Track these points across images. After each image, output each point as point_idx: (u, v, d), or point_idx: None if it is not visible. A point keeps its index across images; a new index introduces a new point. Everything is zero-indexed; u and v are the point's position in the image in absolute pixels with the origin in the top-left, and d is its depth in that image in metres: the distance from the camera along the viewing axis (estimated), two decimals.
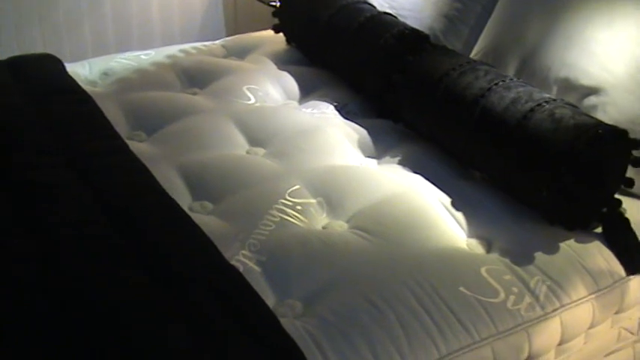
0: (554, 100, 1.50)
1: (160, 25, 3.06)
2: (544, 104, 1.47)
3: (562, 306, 1.33)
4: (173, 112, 1.85)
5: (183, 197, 1.52)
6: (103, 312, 1.13)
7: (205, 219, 1.44)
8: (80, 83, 1.95)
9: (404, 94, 1.77)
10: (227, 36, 2.79)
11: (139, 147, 1.68)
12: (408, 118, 1.79)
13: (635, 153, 1.43)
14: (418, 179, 1.61)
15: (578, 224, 1.44)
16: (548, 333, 1.32)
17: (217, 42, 2.40)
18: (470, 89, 1.58)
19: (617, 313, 1.43)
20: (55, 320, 1.11)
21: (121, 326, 1.11)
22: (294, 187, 1.53)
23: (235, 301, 1.18)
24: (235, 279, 1.23)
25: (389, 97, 1.83)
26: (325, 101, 1.98)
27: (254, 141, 1.77)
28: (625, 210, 1.47)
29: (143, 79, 2.06)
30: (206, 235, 1.33)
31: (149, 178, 1.50)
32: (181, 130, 1.78)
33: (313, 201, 1.51)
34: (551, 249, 1.41)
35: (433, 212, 1.50)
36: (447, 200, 1.54)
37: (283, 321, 1.18)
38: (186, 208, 1.47)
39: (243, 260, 1.32)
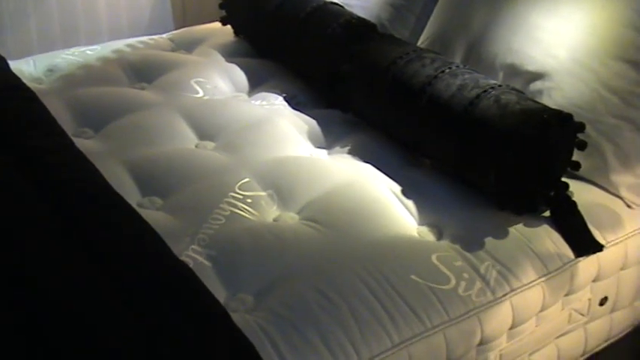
0: (500, 86, 1.51)
1: (107, 19, 3.00)
2: (490, 90, 1.48)
3: (512, 290, 1.34)
4: (120, 107, 1.82)
5: (131, 193, 1.49)
6: (49, 310, 1.11)
7: (154, 215, 1.42)
8: (25, 80, 1.90)
9: (352, 83, 1.77)
10: (176, 29, 2.74)
11: (86, 144, 1.65)
12: (357, 108, 1.79)
13: (581, 136, 1.45)
14: (368, 168, 1.61)
15: (526, 208, 1.45)
16: (499, 317, 1.33)
17: (164, 35, 2.37)
18: (417, 77, 1.58)
19: (567, 295, 1.45)
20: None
21: (67, 324, 1.09)
22: (244, 180, 1.52)
23: (185, 297, 1.17)
24: (185, 274, 1.22)
25: (337, 86, 1.83)
26: (274, 93, 1.96)
27: (203, 135, 1.75)
28: (572, 193, 1.49)
29: (89, 74, 2.02)
30: (155, 230, 1.31)
31: (96, 176, 1.47)
32: (129, 125, 1.75)
33: (263, 193, 1.50)
34: (501, 234, 1.42)
35: (384, 201, 1.50)
36: (398, 188, 1.54)
37: (235, 316, 1.17)
38: (134, 205, 1.44)
39: (193, 255, 1.30)
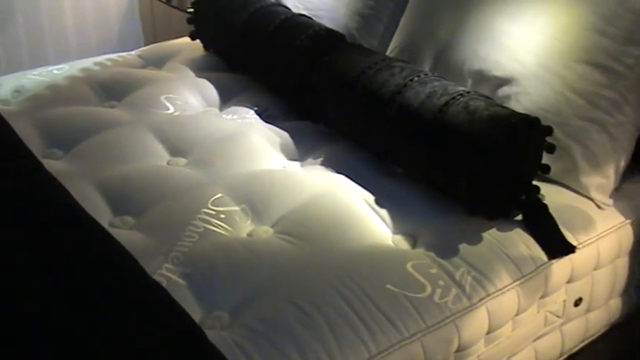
0: (468, 92, 1.52)
1: (75, 37, 2.99)
2: (458, 97, 1.49)
3: (488, 295, 1.35)
4: (89, 127, 1.80)
5: (103, 213, 1.48)
6: (19, 335, 1.10)
7: (126, 234, 1.41)
8: None
9: (322, 94, 1.77)
10: (146, 45, 2.74)
11: (55, 165, 1.63)
12: (329, 119, 1.79)
13: (549, 139, 1.46)
14: (341, 179, 1.61)
15: (498, 213, 1.46)
16: (476, 323, 1.33)
17: (133, 52, 2.36)
18: (386, 86, 1.59)
19: (542, 297, 1.46)
20: None
21: (38, 348, 1.07)
22: (217, 196, 1.52)
23: (158, 317, 1.16)
24: (159, 294, 1.21)
25: (308, 98, 1.83)
26: (245, 106, 1.96)
27: (175, 151, 1.74)
28: (543, 196, 1.50)
29: (57, 94, 2.00)
30: (127, 250, 1.31)
31: (66, 197, 1.46)
32: (99, 145, 1.74)
33: (237, 208, 1.50)
34: (475, 239, 1.43)
35: (357, 211, 1.50)
36: (371, 198, 1.55)
37: (210, 333, 1.16)
38: (106, 225, 1.43)
39: (166, 274, 1.29)
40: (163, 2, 3.00)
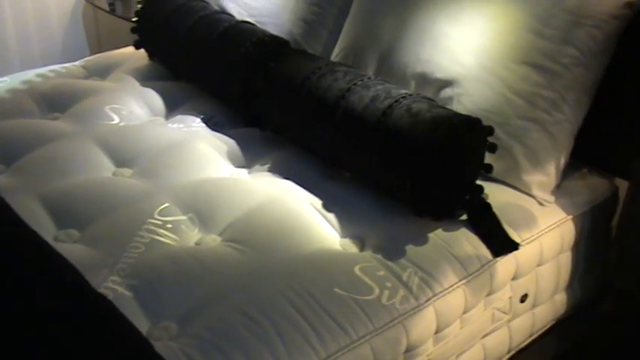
0: (411, 95, 1.54)
1: (17, 49, 2.94)
2: (401, 100, 1.51)
3: (435, 295, 1.37)
4: (32, 139, 1.78)
5: (47, 227, 1.46)
6: None
7: (71, 248, 1.39)
8: None
9: (268, 100, 1.78)
10: (91, 55, 2.71)
11: None
12: (275, 125, 1.80)
13: (491, 139, 1.49)
14: (289, 185, 1.62)
15: (443, 213, 1.48)
16: (424, 323, 1.35)
17: (77, 63, 2.33)
18: (330, 91, 1.60)
19: (488, 295, 1.48)
20: None
21: None
22: (164, 205, 1.51)
23: (105, 330, 1.15)
24: (104, 307, 1.20)
25: (254, 105, 1.83)
26: (192, 115, 1.95)
27: (120, 162, 1.73)
28: (487, 195, 1.53)
29: None
30: (71, 264, 1.29)
31: (8, 212, 1.44)
32: (42, 157, 1.71)
33: (184, 217, 1.49)
34: (421, 240, 1.44)
35: (305, 216, 1.51)
36: (319, 203, 1.56)
37: (158, 344, 1.16)
38: (50, 239, 1.41)
39: (112, 287, 1.28)
40: (107, 12, 2.97)
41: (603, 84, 1.62)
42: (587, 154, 1.71)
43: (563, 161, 1.62)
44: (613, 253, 1.58)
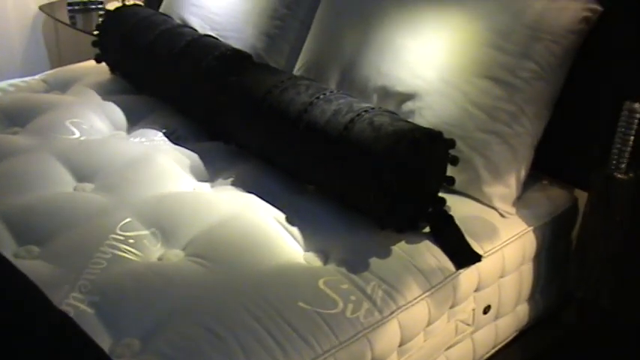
0: (373, 108, 1.54)
1: None
2: (363, 114, 1.51)
3: (398, 308, 1.37)
4: None
5: (6, 244, 1.43)
6: None
7: (31, 264, 1.36)
8: None
9: (231, 114, 1.77)
10: (52, 69, 2.68)
11: None
12: (238, 138, 1.79)
13: (453, 152, 1.50)
14: (252, 199, 1.61)
15: (406, 226, 1.49)
16: (388, 336, 1.35)
17: (37, 77, 2.31)
18: (293, 105, 1.60)
19: (451, 307, 1.49)
20: None
21: None
22: (126, 220, 1.49)
23: (67, 348, 1.13)
24: (66, 325, 1.18)
25: (217, 119, 1.83)
26: (154, 129, 1.94)
27: (81, 177, 1.71)
28: (449, 207, 1.54)
29: None
30: (32, 281, 1.27)
31: None
32: (2, 172, 1.68)
33: (146, 232, 1.48)
34: (385, 253, 1.45)
35: (269, 230, 1.51)
36: (282, 217, 1.55)
37: None
38: (10, 256, 1.39)
39: (74, 304, 1.26)
40: (68, 25, 2.94)
41: (562, 96, 1.65)
42: (547, 166, 1.74)
43: (523, 173, 1.65)
44: (573, 263, 1.60)
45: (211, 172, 1.76)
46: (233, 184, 1.69)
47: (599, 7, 1.59)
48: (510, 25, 1.61)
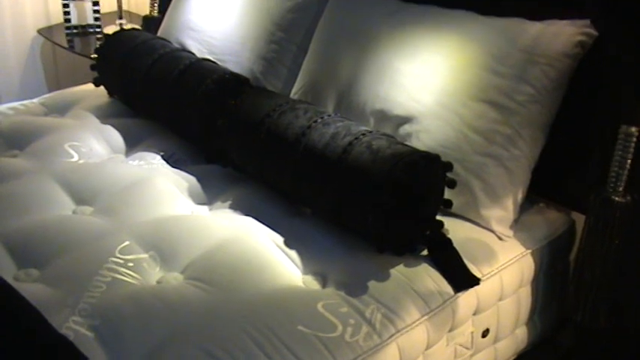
0: (371, 132, 1.56)
1: None
2: (361, 137, 1.53)
3: (398, 331, 1.37)
4: None
5: (6, 267, 1.44)
6: None
7: (31, 287, 1.37)
8: None
9: (229, 138, 1.78)
10: (49, 93, 2.69)
11: None
12: (236, 162, 1.80)
13: (450, 175, 1.51)
14: (250, 222, 1.62)
15: (405, 249, 1.50)
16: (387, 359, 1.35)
17: (36, 100, 2.32)
18: (291, 128, 1.61)
19: (450, 330, 1.49)
20: None
21: None
22: (125, 244, 1.50)
23: None
24: (66, 348, 1.18)
25: (215, 142, 1.84)
26: (152, 152, 1.95)
27: (80, 200, 1.71)
28: (447, 230, 1.55)
29: None
30: (32, 305, 1.27)
31: None
32: (1, 196, 1.69)
33: (145, 255, 1.48)
34: (383, 276, 1.45)
35: (267, 253, 1.51)
36: (280, 240, 1.56)
37: None
38: (10, 279, 1.39)
39: (74, 327, 1.26)
40: (66, 48, 2.95)
41: (558, 119, 1.66)
42: (544, 189, 1.74)
43: (520, 196, 1.65)
44: (571, 286, 1.61)
45: (209, 195, 1.77)
46: (231, 207, 1.70)
47: (594, 31, 1.60)
48: (506, 48, 1.63)
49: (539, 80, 1.60)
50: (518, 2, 1.72)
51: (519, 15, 1.67)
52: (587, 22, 1.60)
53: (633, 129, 1.48)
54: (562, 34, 1.60)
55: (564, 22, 1.62)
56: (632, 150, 1.49)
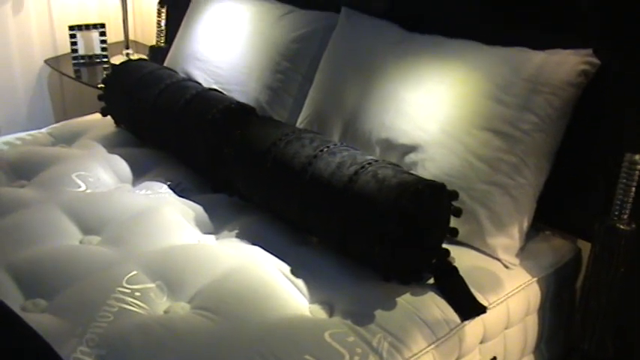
0: (377, 161, 1.57)
1: None
2: (367, 166, 1.54)
3: None
4: None
5: (14, 297, 1.45)
6: None
7: (39, 318, 1.37)
8: None
9: (236, 167, 1.79)
10: (56, 122, 2.71)
11: None
12: (243, 191, 1.81)
13: (455, 203, 1.52)
14: (257, 251, 1.63)
15: (411, 277, 1.50)
16: None
17: (43, 130, 2.33)
18: (297, 158, 1.63)
19: (457, 359, 1.49)
20: None
21: None
22: (132, 273, 1.50)
23: None
24: None
25: (221, 171, 1.85)
26: (159, 181, 1.96)
27: (87, 229, 1.72)
28: (453, 258, 1.55)
29: None
30: (39, 335, 1.27)
31: None
32: (9, 226, 1.70)
33: (152, 285, 1.49)
34: (390, 305, 1.46)
35: (274, 282, 1.51)
36: (287, 268, 1.56)
37: None
38: (18, 309, 1.40)
39: (81, 357, 1.27)
40: (73, 78, 2.98)
41: (562, 147, 1.67)
42: (549, 217, 1.75)
43: (526, 224, 1.66)
44: (577, 315, 1.61)
45: (216, 224, 1.77)
46: (238, 236, 1.70)
47: (597, 61, 1.62)
48: (510, 78, 1.64)
49: (543, 109, 1.61)
50: (522, 32, 1.74)
51: (523, 44, 1.69)
52: (590, 51, 1.61)
53: (637, 157, 1.48)
54: (565, 64, 1.62)
55: (567, 51, 1.64)
56: (636, 178, 1.49)
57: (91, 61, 3.10)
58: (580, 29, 1.65)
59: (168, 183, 1.95)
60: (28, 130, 2.35)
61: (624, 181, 1.51)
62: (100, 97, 2.31)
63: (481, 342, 1.54)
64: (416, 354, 1.39)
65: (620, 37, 1.53)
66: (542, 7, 1.71)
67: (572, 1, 1.64)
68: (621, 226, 1.51)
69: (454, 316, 1.47)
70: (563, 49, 1.65)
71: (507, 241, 1.63)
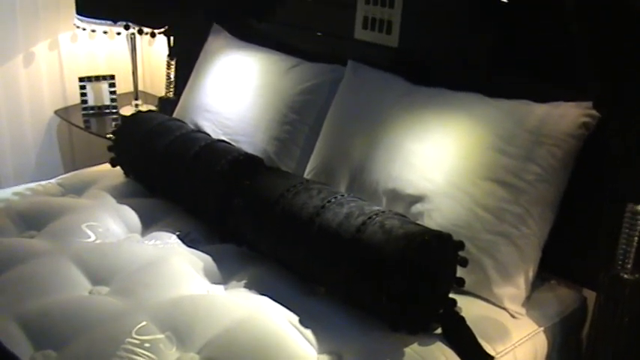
0: (384, 211, 1.59)
1: None
2: (374, 217, 1.56)
3: None
4: (8, 259, 1.78)
5: (23, 349, 1.45)
6: None
7: None
8: None
9: (244, 217, 1.82)
10: (65, 173, 2.74)
11: None
12: (251, 241, 1.83)
13: (462, 253, 1.54)
14: (265, 301, 1.64)
15: (418, 327, 1.51)
16: None
17: (53, 180, 2.36)
18: (305, 209, 1.65)
19: None
20: None
21: None
22: (141, 324, 1.51)
23: None
24: None
25: (230, 221, 1.87)
26: (168, 231, 1.98)
27: (96, 280, 1.73)
28: (460, 308, 1.56)
29: None
30: None
31: None
32: (18, 277, 1.71)
33: (161, 336, 1.50)
34: (398, 355, 1.46)
35: (282, 333, 1.52)
36: (295, 319, 1.57)
37: None
38: None
39: None
40: (82, 129, 3.02)
41: (566, 198, 1.70)
42: (554, 266, 1.76)
43: (531, 274, 1.68)
44: None
45: (225, 274, 1.79)
46: (246, 286, 1.72)
47: (596, 113, 1.65)
48: (513, 130, 1.68)
49: (546, 160, 1.64)
50: (524, 85, 1.78)
51: (525, 97, 1.73)
52: (590, 104, 1.64)
53: (639, 207, 1.50)
54: (567, 116, 1.65)
55: (569, 104, 1.67)
56: (638, 228, 1.51)
57: (100, 111, 3.13)
58: (581, 83, 1.68)
59: (177, 233, 1.97)
60: (36, 181, 2.37)
61: (627, 231, 1.52)
62: (109, 148, 2.34)
63: None
64: None
65: (616, 92, 1.55)
66: (544, 60, 1.74)
67: (574, 55, 1.68)
68: (625, 276, 1.53)
69: None
70: (564, 101, 1.68)
71: (513, 290, 1.64)
